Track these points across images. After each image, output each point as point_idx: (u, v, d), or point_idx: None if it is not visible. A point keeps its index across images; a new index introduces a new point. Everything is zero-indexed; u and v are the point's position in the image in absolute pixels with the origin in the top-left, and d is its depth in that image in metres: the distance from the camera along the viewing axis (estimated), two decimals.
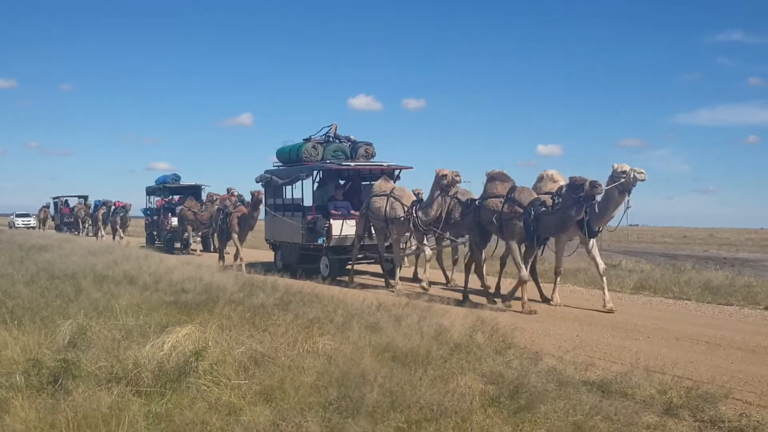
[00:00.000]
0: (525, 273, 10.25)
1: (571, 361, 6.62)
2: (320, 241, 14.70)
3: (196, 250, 23.94)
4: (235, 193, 18.74)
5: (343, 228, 14.53)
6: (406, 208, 12.82)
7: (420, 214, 12.51)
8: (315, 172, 15.83)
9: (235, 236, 16.60)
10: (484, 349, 6.63)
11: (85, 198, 40.90)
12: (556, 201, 10.08)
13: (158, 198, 27.52)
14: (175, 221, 25.22)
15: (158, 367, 5.24)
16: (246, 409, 4.66)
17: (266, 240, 17.72)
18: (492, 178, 10.94)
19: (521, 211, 10.12)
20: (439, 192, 12.12)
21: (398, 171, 15.69)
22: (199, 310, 8.11)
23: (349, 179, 16.58)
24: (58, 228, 42.09)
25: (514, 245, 10.32)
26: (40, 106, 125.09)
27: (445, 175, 11.82)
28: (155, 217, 27.36)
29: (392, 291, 12.54)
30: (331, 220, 14.56)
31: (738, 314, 10.14)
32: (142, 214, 29.96)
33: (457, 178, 11.79)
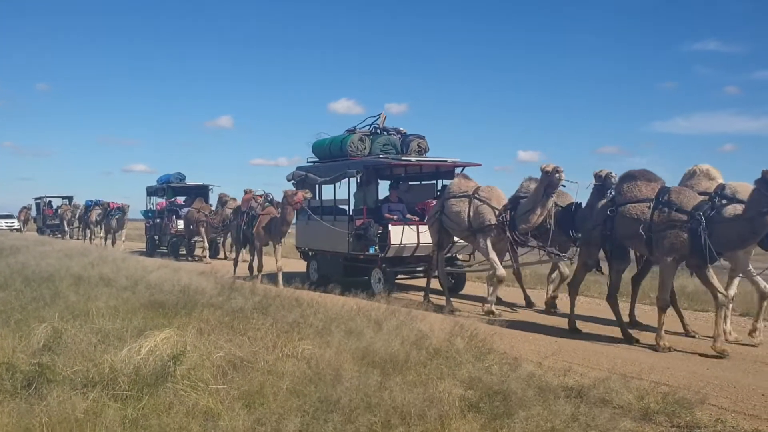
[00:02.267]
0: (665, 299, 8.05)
1: (550, 367, 6.66)
2: (372, 251, 12.56)
3: (205, 257, 21.91)
4: (260, 192, 15.29)
5: (403, 235, 12.36)
6: (496, 213, 10.43)
7: (518, 220, 10.12)
8: (366, 169, 13.17)
9: (258, 244, 14.18)
10: (463, 355, 6.63)
11: (70, 198, 39.15)
12: (717, 204, 7.79)
13: (160, 199, 25.22)
14: (180, 224, 23.11)
15: (135, 371, 5.18)
16: (224, 414, 4.62)
17: (297, 248, 15.53)
18: (630, 177, 8.61)
19: (684, 218, 7.80)
20: (542, 193, 9.85)
21: (461, 168, 13.25)
22: (177, 314, 8.03)
23: (400, 178, 14.47)
24: (40, 230, 39.94)
25: (670, 264, 7.95)
26: (16, 105, 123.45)
27: (553, 172, 9.55)
28: (157, 220, 24.81)
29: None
30: (390, 225, 12.35)
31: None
32: (142, 217, 27.21)
33: (562, 176, 9.58)
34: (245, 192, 19.93)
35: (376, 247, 12.50)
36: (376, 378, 5.31)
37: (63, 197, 40.32)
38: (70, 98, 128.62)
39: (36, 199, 42.44)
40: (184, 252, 23.17)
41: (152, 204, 25.87)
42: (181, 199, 24.76)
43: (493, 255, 10.41)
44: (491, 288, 10.53)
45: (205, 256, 21.95)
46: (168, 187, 24.48)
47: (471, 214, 10.64)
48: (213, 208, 22.05)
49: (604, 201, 8.90)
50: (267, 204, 14.54)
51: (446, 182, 13.17)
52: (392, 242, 12.24)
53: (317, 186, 14.26)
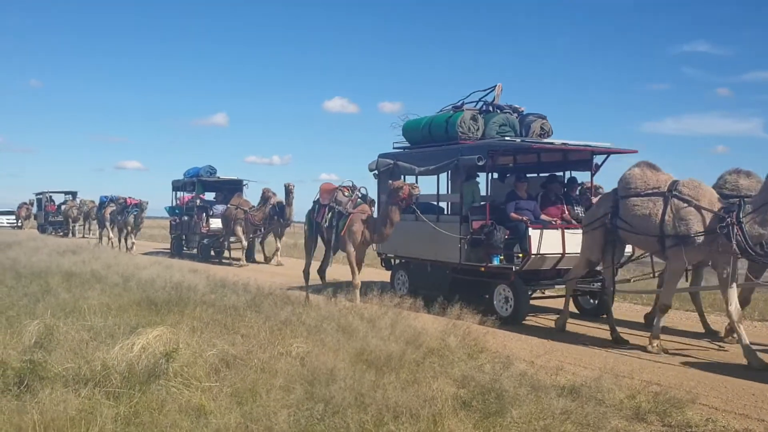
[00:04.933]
0: None
1: (542, 366, 6.69)
2: (496, 262, 9.94)
3: (240, 260, 19.56)
4: (347, 183, 11.49)
5: (545, 242, 9.61)
6: (709, 217, 7.60)
7: (748, 226, 7.33)
8: (493, 155, 10.35)
9: (352, 250, 10.69)
10: (456, 353, 6.67)
11: (74, 194, 36.83)
12: None
13: (185, 194, 22.77)
14: (214, 223, 20.76)
15: (128, 368, 5.16)
16: (216, 412, 4.61)
17: (379, 254, 12.74)
18: None
19: None
20: None
21: (605, 156, 10.78)
22: (170, 311, 8.02)
23: (524, 168, 11.87)
24: (41, 228, 37.76)
25: None
26: (7, 101, 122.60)
27: None
28: (185, 218, 21.90)
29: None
30: (530, 229, 9.57)
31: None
32: (167, 214, 24.09)
33: None
34: (263, 192, 18.79)
35: (502, 257, 9.97)
36: (369, 377, 5.32)
37: (66, 192, 38.16)
38: (62, 94, 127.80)
39: (37, 194, 39.96)
40: (213, 254, 21.25)
41: (178, 200, 23.42)
42: (202, 195, 22.27)
43: (677, 277, 8.08)
44: (658, 317, 8.11)
45: (239, 259, 19.74)
46: (198, 181, 21.85)
47: (668, 218, 7.80)
48: (253, 204, 19.77)
49: None
50: (360, 201, 11.11)
51: (575, 174, 11.32)
52: (532, 251, 9.48)
53: (415, 177, 11.50)
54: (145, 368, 5.17)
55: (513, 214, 10.00)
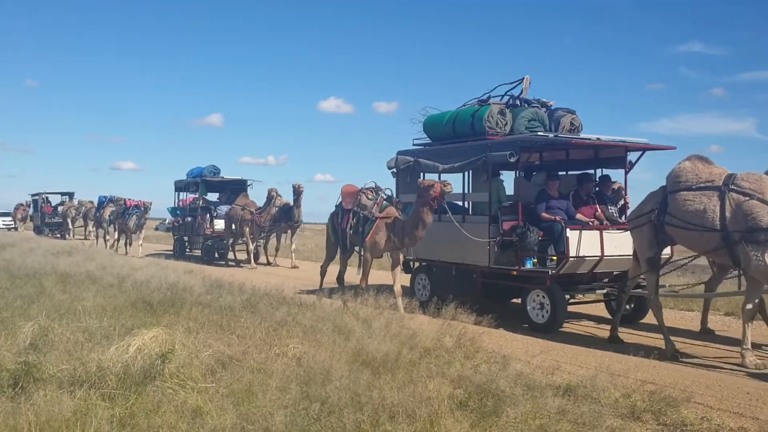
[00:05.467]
0: None
1: (538, 365, 6.70)
2: (529, 265, 9.36)
3: (249, 262, 18.99)
4: (370, 185, 11.15)
5: (583, 244, 8.98)
6: None
7: None
8: (524, 151, 9.70)
9: (369, 257, 10.36)
10: (452, 354, 6.67)
11: (71, 195, 36.45)
12: None
13: (190, 195, 22.29)
14: (218, 224, 20.33)
15: (123, 370, 5.14)
16: (212, 413, 4.60)
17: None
18: None
19: None
20: None
21: (640, 153, 10.10)
22: (165, 312, 8.01)
23: (546, 166, 11.31)
24: (37, 229, 37.05)
25: None
26: (4, 101, 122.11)
27: None
28: (188, 219, 21.59)
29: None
30: (568, 230, 9.00)
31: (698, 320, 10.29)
32: (170, 215, 23.97)
33: None
34: (268, 192, 18.28)
35: (535, 260, 9.41)
36: (366, 377, 5.32)
37: (63, 194, 37.61)
38: (57, 95, 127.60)
39: (33, 195, 39.18)
40: (217, 255, 20.63)
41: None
42: (197, 195, 21.75)
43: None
44: (746, 325, 7.28)
45: (249, 262, 19.09)
46: (201, 182, 21.25)
47: (728, 213, 7.25)
48: (259, 205, 19.30)
49: None
50: (385, 203, 10.63)
51: (606, 172, 10.79)
52: (571, 253, 8.89)
53: (438, 176, 10.83)
54: (141, 369, 5.16)
55: (545, 214, 9.46)
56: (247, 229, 18.80)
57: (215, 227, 20.47)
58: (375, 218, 10.35)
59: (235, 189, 21.19)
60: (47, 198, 38.07)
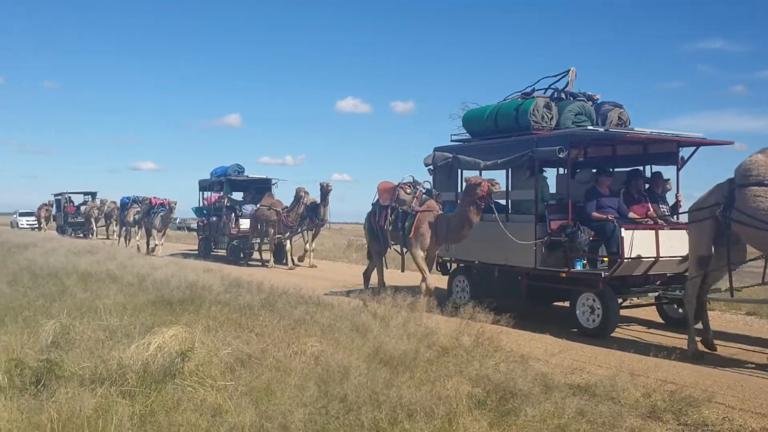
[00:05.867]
0: None
1: (557, 365, 6.67)
2: (579, 267, 8.86)
3: (269, 261, 18.77)
4: (408, 180, 10.85)
5: (638, 244, 8.51)
6: None
7: None
8: (576, 147, 9.56)
9: (420, 252, 9.95)
10: (471, 353, 6.65)
11: (93, 194, 36.24)
12: None
13: (211, 193, 21.98)
14: (243, 223, 20.04)
15: (143, 368, 5.20)
16: (232, 411, 4.63)
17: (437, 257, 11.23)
18: None
19: None
20: None
21: (694, 148, 9.71)
22: (185, 311, 8.07)
23: (591, 162, 10.76)
24: (60, 229, 36.93)
25: None
26: (23, 103, 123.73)
27: None
28: (213, 219, 21.38)
29: None
30: (622, 229, 8.50)
31: (719, 319, 10.19)
32: (194, 215, 23.54)
33: None
34: (296, 191, 17.81)
35: (585, 261, 8.89)
36: (384, 375, 5.33)
37: (85, 193, 37.60)
38: (76, 96, 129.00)
39: (56, 195, 39.25)
40: (242, 256, 20.26)
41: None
42: (218, 195, 21.54)
43: None
44: None
45: (268, 261, 18.89)
46: (226, 181, 21.01)
47: None
48: (285, 205, 18.91)
49: None
50: (425, 197, 10.30)
51: (657, 169, 10.19)
52: (626, 254, 8.39)
53: (479, 172, 10.28)
54: (161, 367, 5.21)
55: (595, 213, 8.97)
56: (272, 230, 18.54)
57: (241, 227, 20.16)
58: (415, 212, 10.09)
59: (260, 188, 21.02)
60: (70, 198, 38.13)
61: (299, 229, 18.71)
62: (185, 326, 6.25)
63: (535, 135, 9.48)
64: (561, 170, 10.17)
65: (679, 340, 8.14)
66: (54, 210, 39.80)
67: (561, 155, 8.93)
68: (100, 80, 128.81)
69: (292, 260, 18.82)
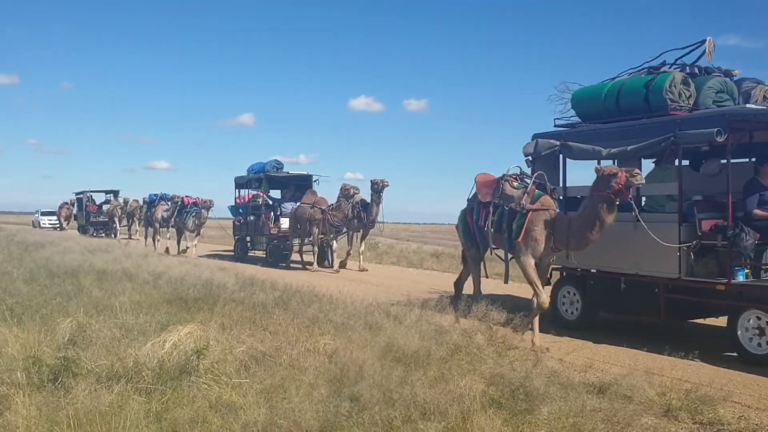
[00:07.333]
0: None
1: (571, 363, 6.65)
2: (742, 277, 7.20)
3: (312, 264, 17.42)
4: (517, 172, 8.89)
5: None
6: None
7: None
8: (736, 130, 7.40)
9: (531, 261, 8.08)
10: (484, 351, 6.65)
11: (116, 193, 34.98)
12: None
13: (252, 192, 20.35)
14: (284, 223, 18.74)
15: (159, 365, 5.25)
16: (246, 408, 4.66)
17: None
18: None
19: None
20: None
21: None
22: (200, 309, 8.12)
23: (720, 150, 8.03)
24: (82, 228, 35.84)
25: None
26: (41, 103, 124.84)
27: None
28: (250, 218, 19.95)
29: None
30: None
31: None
32: (230, 214, 21.77)
33: None
34: (342, 188, 16.64)
35: (748, 270, 7.30)
36: (397, 373, 5.34)
37: (107, 191, 36.26)
38: (92, 96, 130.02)
39: (77, 194, 37.75)
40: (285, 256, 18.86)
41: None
42: (257, 192, 19.98)
43: None
44: None
45: (312, 264, 17.54)
46: (265, 177, 19.67)
47: None
48: (330, 203, 17.56)
49: None
50: (538, 192, 8.35)
51: None
52: None
53: (598, 162, 8.54)
54: (176, 365, 5.25)
55: (757, 211, 7.40)
56: (317, 230, 17.16)
57: (281, 227, 18.84)
58: (527, 211, 8.16)
59: (300, 185, 19.77)
60: (91, 197, 36.71)
61: (346, 230, 17.44)
62: (200, 324, 6.30)
63: (677, 116, 7.87)
64: (684, 162, 8.40)
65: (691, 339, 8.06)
66: (75, 209, 38.68)
67: (719, 139, 7.15)
68: (115, 81, 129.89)
69: (340, 262, 17.70)
